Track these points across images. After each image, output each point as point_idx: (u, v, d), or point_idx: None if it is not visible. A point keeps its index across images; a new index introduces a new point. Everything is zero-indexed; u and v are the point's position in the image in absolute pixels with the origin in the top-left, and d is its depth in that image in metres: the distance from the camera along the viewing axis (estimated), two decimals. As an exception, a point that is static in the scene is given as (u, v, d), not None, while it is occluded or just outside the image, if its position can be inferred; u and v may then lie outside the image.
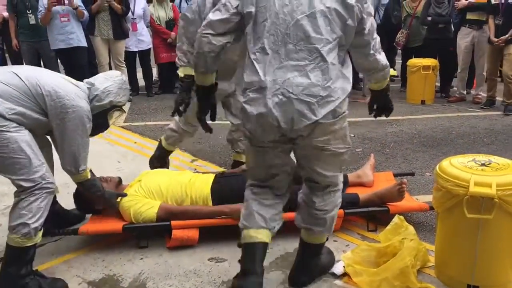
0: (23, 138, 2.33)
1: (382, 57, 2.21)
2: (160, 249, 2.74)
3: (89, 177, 2.65)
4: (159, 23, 6.82)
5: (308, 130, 1.99)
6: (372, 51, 2.14)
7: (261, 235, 2.23)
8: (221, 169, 3.98)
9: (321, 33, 1.96)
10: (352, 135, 4.91)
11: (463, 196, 2.09)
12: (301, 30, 1.96)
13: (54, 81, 2.44)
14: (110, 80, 2.68)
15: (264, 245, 2.24)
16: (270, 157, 2.20)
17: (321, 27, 1.95)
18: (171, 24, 6.84)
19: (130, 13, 6.44)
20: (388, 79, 2.38)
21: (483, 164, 2.22)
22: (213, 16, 2.09)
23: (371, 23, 2.09)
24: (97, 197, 2.75)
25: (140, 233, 2.80)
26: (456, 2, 6.28)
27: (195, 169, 4.06)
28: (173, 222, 2.73)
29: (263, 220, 2.25)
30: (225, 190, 2.91)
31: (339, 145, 2.10)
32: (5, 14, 6.07)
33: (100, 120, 2.65)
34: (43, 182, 2.35)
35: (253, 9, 2.02)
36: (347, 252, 2.56)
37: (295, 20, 1.96)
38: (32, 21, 5.93)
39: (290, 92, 1.95)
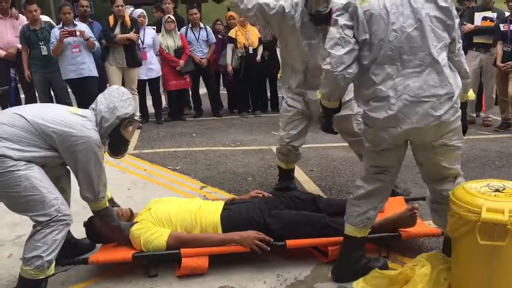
0: (34, 174, 2.35)
1: (464, 61, 2.44)
2: (170, 278, 2.72)
3: (107, 205, 2.65)
4: (167, 51, 6.93)
5: (433, 130, 2.25)
6: (458, 46, 2.36)
7: None
8: (230, 196, 3.98)
9: (429, 39, 2.23)
10: (362, 159, 4.90)
11: (476, 222, 2.06)
12: (413, 41, 2.23)
13: (59, 116, 2.45)
14: (109, 97, 2.65)
15: None
16: (386, 160, 2.45)
17: (428, 34, 2.23)
18: (179, 52, 6.95)
19: (139, 43, 6.57)
20: (468, 95, 2.58)
21: (497, 190, 2.18)
22: (337, 51, 2.28)
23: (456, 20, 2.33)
24: (112, 228, 2.73)
25: (150, 261, 2.79)
26: (462, 26, 6.33)
27: (205, 196, 4.06)
28: (183, 250, 2.72)
29: None
30: (235, 217, 2.90)
31: (459, 140, 2.36)
32: (19, 45, 6.22)
33: (117, 138, 2.65)
34: (59, 215, 2.38)
35: (367, 36, 2.26)
36: (358, 280, 2.52)
37: (406, 34, 2.22)
38: (44, 52, 6.06)
39: (412, 96, 2.22)
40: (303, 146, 5.47)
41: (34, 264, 2.33)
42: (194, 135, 6.22)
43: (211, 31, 7.48)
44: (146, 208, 3.02)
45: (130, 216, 2.97)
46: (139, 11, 7.01)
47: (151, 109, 7.27)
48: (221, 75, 7.64)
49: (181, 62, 6.90)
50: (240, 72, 7.07)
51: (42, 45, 6.05)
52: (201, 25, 7.34)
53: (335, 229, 2.81)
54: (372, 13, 2.25)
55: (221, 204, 3.01)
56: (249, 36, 7.06)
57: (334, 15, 2.41)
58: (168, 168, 4.82)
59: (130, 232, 2.84)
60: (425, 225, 3.05)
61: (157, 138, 6.16)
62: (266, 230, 2.81)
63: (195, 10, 7.36)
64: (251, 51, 7.05)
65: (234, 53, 7.07)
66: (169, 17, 7.00)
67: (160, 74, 7.01)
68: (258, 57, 7.13)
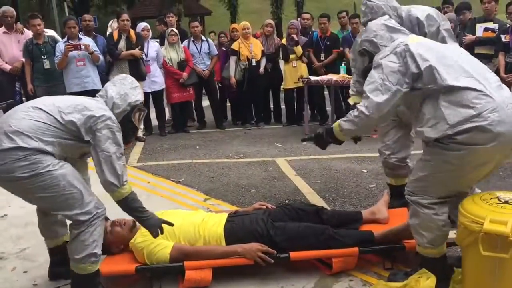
0: (69, 172, 2.41)
1: None
2: (173, 291, 2.71)
3: (132, 189, 2.56)
4: (171, 64, 6.98)
5: None
6: None
7: None
8: (234, 208, 3.98)
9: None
10: (365, 170, 4.89)
11: (479, 233, 2.05)
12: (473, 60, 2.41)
13: (74, 103, 2.49)
14: (119, 85, 2.69)
15: None
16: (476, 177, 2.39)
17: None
18: (182, 65, 7.00)
19: (143, 56, 6.62)
20: None
21: (505, 202, 2.17)
22: (375, 97, 2.34)
23: None
24: (141, 217, 2.60)
25: (153, 274, 2.78)
26: (463, 37, 6.35)
27: (208, 208, 4.06)
28: (186, 263, 2.71)
29: None
30: (238, 229, 2.90)
31: None
32: (7, 67, 6.29)
33: (127, 125, 2.66)
34: (98, 211, 2.48)
35: (425, 65, 2.30)
36: (363, 292, 2.51)
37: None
38: (46, 66, 6.11)
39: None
40: (305, 157, 5.54)
41: (90, 261, 2.46)
42: (197, 147, 6.24)
43: (213, 43, 7.53)
44: None
45: (133, 227, 2.97)
46: (143, 25, 7.09)
47: (154, 122, 7.29)
48: (225, 87, 7.67)
49: (184, 74, 6.95)
50: (244, 84, 7.11)
51: (44, 59, 6.11)
52: (203, 37, 7.40)
53: (339, 241, 2.81)
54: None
55: (224, 216, 3.01)
56: (252, 48, 7.11)
57: (377, 58, 2.45)
58: (172, 181, 4.83)
59: (133, 245, 2.84)
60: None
61: (160, 150, 6.17)
62: (269, 242, 2.80)
63: (196, 23, 7.42)
64: (254, 63, 7.09)
65: (237, 65, 7.11)
66: (172, 30, 7.06)
67: (163, 86, 7.06)
68: (261, 69, 7.16)
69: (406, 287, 2.36)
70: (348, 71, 6.81)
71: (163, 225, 2.69)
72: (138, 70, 6.44)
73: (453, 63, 2.32)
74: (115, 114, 2.59)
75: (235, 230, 2.89)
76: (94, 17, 14.43)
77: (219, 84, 7.70)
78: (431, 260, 2.48)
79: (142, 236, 2.83)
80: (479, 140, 2.17)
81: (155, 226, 2.62)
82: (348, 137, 2.67)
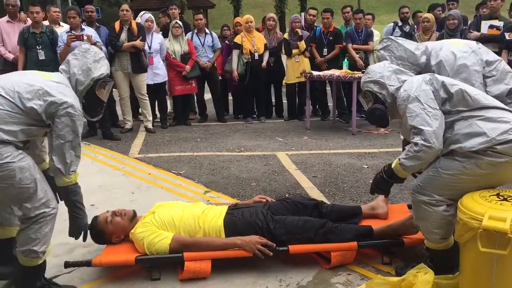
0: (27, 166, 2.35)
1: None
2: (172, 281, 2.72)
3: (77, 181, 2.49)
4: (174, 56, 6.97)
5: None
6: None
7: None
8: (234, 200, 3.99)
9: None
10: (366, 166, 4.90)
11: (478, 229, 2.06)
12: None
13: (34, 86, 2.36)
14: (81, 58, 2.57)
15: None
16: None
17: None
18: (186, 57, 6.99)
19: (147, 48, 6.61)
20: None
21: (504, 199, 2.18)
22: (428, 126, 2.35)
23: None
24: (74, 212, 2.51)
25: (153, 264, 2.80)
26: (468, 34, 6.33)
27: (208, 200, 4.07)
28: (186, 254, 2.73)
29: None
30: (238, 221, 2.91)
31: None
32: (10, 56, 6.27)
33: (92, 101, 2.60)
34: (46, 210, 2.41)
35: (455, 89, 2.43)
36: (361, 286, 2.52)
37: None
38: (41, 56, 6.02)
39: None
40: (306, 152, 5.54)
41: (30, 256, 2.43)
42: (198, 140, 6.24)
43: (217, 36, 7.51)
44: (150, 211, 3.04)
45: (133, 217, 2.97)
46: (147, 15, 7.05)
47: (156, 114, 7.30)
48: (227, 81, 7.66)
49: (187, 67, 6.94)
50: (246, 78, 7.10)
51: (39, 49, 6.02)
52: (207, 30, 7.38)
53: (338, 235, 2.83)
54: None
55: (224, 209, 3.02)
56: (254, 42, 7.09)
57: (407, 94, 2.47)
58: (172, 173, 4.84)
59: (133, 235, 2.85)
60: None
61: (162, 142, 6.18)
62: (269, 235, 2.82)
63: (200, 16, 7.40)
64: (256, 57, 7.07)
65: (240, 59, 7.10)
66: (176, 22, 7.04)
67: (166, 79, 7.04)
68: (264, 63, 7.14)
69: (403, 282, 2.36)
70: (351, 67, 6.81)
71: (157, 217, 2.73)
72: (139, 62, 6.44)
73: (476, 91, 2.48)
74: (78, 91, 2.52)
75: (235, 222, 2.90)
76: (97, 8, 14.42)
77: (221, 78, 7.69)
78: (444, 252, 2.54)
79: (142, 227, 2.84)
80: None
81: (80, 228, 2.55)
82: (411, 172, 2.62)
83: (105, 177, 4.73)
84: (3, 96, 2.30)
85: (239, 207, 3.12)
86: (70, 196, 2.47)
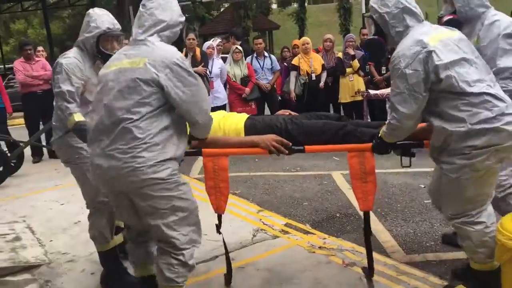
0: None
1: None
2: None
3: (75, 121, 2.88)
4: (234, 79, 7.26)
5: None
6: None
7: None
8: (286, 220, 4.10)
9: None
10: (422, 185, 4.81)
11: (514, 251, 2.03)
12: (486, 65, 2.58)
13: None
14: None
15: None
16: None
17: None
18: (245, 80, 7.26)
19: (208, 73, 6.96)
20: None
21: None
22: (404, 108, 2.40)
23: None
24: None
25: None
26: None
27: (261, 219, 4.21)
28: (204, 150, 2.74)
29: None
30: (258, 124, 2.93)
31: None
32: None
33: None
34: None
35: (446, 74, 2.36)
36: None
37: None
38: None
39: None
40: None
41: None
42: (256, 160, 6.42)
43: (275, 59, 7.73)
44: None
45: None
46: (208, 43, 7.44)
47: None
48: (286, 101, 7.81)
49: (247, 89, 7.20)
50: (303, 99, 7.22)
51: None
52: (265, 54, 7.62)
53: (357, 137, 2.78)
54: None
55: (245, 116, 3.06)
56: (312, 63, 7.22)
57: (399, 66, 2.41)
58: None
59: None
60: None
61: (221, 162, 6.41)
62: (286, 134, 2.79)
63: (260, 40, 7.66)
64: (314, 77, 7.19)
65: (297, 79, 7.25)
66: (236, 47, 7.35)
67: (226, 102, 7.35)
68: (321, 84, 7.24)
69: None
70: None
71: None
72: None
73: (471, 69, 2.39)
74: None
75: (255, 124, 2.92)
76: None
77: (281, 98, 7.87)
78: (489, 273, 2.51)
79: None
80: (497, 140, 2.29)
81: None
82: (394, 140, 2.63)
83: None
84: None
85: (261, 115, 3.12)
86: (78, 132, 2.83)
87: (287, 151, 2.71)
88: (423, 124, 2.70)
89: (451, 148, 2.40)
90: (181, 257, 2.41)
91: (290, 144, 2.72)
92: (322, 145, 2.78)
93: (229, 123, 2.96)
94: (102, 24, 2.97)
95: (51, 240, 4.03)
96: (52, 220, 4.53)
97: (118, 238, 3.19)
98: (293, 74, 7.29)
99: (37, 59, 7.29)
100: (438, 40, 2.41)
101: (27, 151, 6.67)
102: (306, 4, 26.95)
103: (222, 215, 2.94)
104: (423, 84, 2.37)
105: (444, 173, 2.49)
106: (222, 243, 3.03)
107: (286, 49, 8.24)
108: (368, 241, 2.84)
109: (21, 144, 6.30)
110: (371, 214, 4.10)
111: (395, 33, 2.55)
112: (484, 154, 2.31)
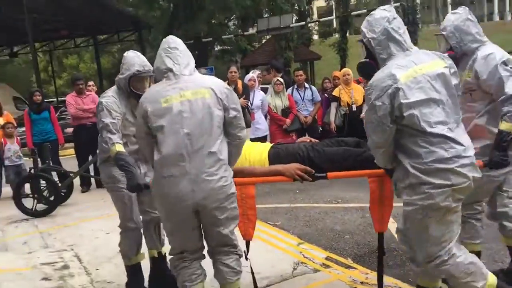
0: None
1: None
2: None
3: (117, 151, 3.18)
4: (275, 111, 7.35)
5: None
6: None
7: None
8: (327, 253, 4.06)
9: None
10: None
11: None
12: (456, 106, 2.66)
13: None
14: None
15: None
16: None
17: None
18: (286, 111, 7.33)
19: (249, 104, 7.08)
20: None
21: None
22: (375, 136, 2.54)
23: None
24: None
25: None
26: None
27: (301, 252, 4.18)
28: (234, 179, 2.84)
29: None
30: (281, 152, 3.11)
31: None
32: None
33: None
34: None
35: (409, 112, 2.46)
36: None
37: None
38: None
39: None
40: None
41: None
42: (297, 191, 6.41)
43: (316, 90, 7.79)
44: None
45: None
46: (250, 76, 7.60)
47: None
48: (326, 132, 7.81)
49: (288, 121, 7.25)
50: (344, 130, 7.20)
51: None
52: (306, 85, 7.69)
53: (375, 164, 2.83)
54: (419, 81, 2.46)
55: (269, 145, 3.27)
56: (352, 94, 7.22)
57: (370, 96, 2.52)
58: (269, 224, 5.05)
59: None
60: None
61: (261, 194, 6.42)
62: (309, 162, 2.97)
63: (300, 72, 7.76)
64: (354, 108, 7.18)
65: (338, 110, 7.26)
66: (278, 79, 7.46)
67: (267, 133, 7.43)
68: (363, 115, 7.20)
69: None
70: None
71: None
72: (244, 118, 6.89)
73: (437, 110, 2.46)
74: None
75: (278, 153, 3.11)
76: (210, 67, 15.75)
77: (322, 129, 7.87)
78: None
79: None
80: (453, 181, 2.40)
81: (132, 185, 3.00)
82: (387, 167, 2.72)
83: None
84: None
85: (283, 143, 3.35)
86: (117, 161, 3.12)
87: (310, 179, 2.88)
88: None
89: (411, 184, 2.49)
90: (239, 253, 2.89)
91: (313, 171, 2.89)
92: (344, 171, 2.93)
93: (254, 153, 3.16)
94: (133, 67, 3.34)
95: (97, 269, 4.15)
96: (98, 249, 4.67)
97: (141, 256, 3.62)
98: (333, 105, 7.31)
99: (87, 93, 7.67)
100: (412, 77, 2.46)
101: (76, 180, 6.96)
102: (347, 34, 27.04)
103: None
104: (389, 117, 2.47)
105: (408, 215, 2.58)
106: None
107: (327, 80, 8.29)
108: (381, 262, 3.06)
109: (71, 174, 6.59)
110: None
111: (380, 59, 2.62)
112: (443, 194, 2.41)
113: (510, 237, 3.13)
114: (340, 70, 7.91)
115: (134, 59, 3.36)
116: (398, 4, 15.77)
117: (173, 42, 2.80)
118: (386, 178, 2.79)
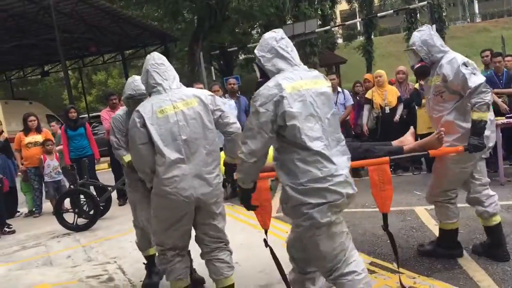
0: None
1: None
2: None
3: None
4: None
5: None
6: None
7: None
8: (370, 258, 3.98)
9: None
10: (517, 220, 4.49)
11: None
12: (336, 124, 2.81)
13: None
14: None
15: None
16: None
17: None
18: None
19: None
20: None
21: None
22: (252, 143, 2.56)
23: None
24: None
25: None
26: None
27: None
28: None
29: None
30: None
31: None
32: None
33: None
34: None
35: (291, 122, 2.50)
36: None
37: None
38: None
39: None
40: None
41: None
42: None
43: (348, 93, 7.72)
44: None
45: None
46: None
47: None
48: (359, 135, 7.73)
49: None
50: (377, 133, 7.10)
51: None
52: (339, 89, 7.64)
53: (373, 153, 3.33)
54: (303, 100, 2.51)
55: None
56: (386, 95, 7.12)
57: (255, 103, 2.56)
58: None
59: None
60: (447, 148, 3.50)
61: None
62: None
63: (333, 76, 7.74)
64: (387, 110, 7.07)
65: (370, 113, 7.17)
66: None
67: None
68: (397, 117, 7.09)
69: None
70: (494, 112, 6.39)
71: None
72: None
73: (316, 126, 2.52)
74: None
75: None
76: (236, 76, 15.82)
77: (354, 133, 7.79)
78: None
79: None
80: (328, 199, 2.48)
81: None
82: (246, 185, 2.75)
83: (246, 236, 5.08)
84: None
85: None
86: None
87: None
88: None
89: (293, 207, 2.55)
90: (231, 250, 3.26)
91: None
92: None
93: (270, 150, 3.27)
94: (127, 91, 3.71)
95: (141, 280, 4.18)
96: (140, 260, 4.71)
97: (152, 250, 3.97)
98: (366, 107, 7.24)
99: (120, 107, 7.79)
100: (296, 89, 2.53)
101: (113, 194, 7.07)
102: (372, 36, 26.80)
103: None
104: (271, 124, 2.51)
105: (298, 237, 2.70)
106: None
107: (358, 84, 8.23)
108: (392, 241, 3.44)
109: (108, 188, 6.70)
110: (464, 252, 3.91)
111: (271, 75, 2.67)
112: (321, 212, 2.48)
113: (484, 219, 3.73)
114: (366, 73, 7.83)
115: (130, 84, 3.72)
116: (425, 2, 15.48)
117: (159, 58, 3.14)
118: (385, 166, 3.19)
